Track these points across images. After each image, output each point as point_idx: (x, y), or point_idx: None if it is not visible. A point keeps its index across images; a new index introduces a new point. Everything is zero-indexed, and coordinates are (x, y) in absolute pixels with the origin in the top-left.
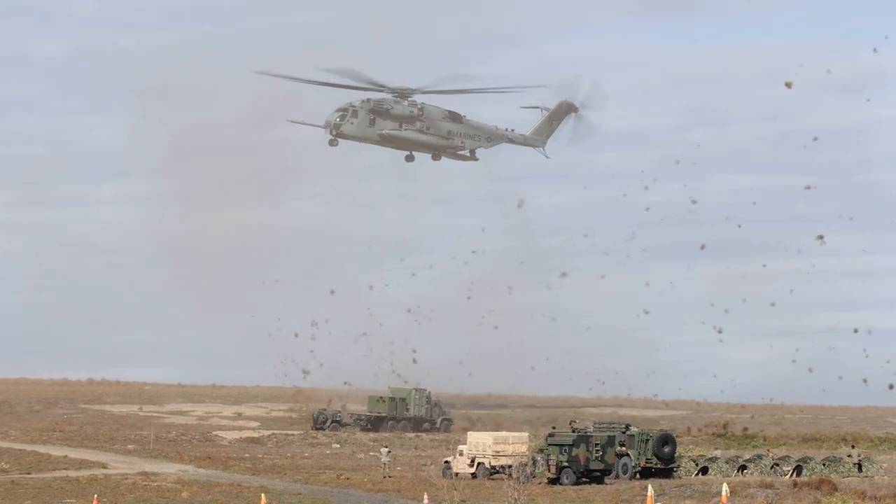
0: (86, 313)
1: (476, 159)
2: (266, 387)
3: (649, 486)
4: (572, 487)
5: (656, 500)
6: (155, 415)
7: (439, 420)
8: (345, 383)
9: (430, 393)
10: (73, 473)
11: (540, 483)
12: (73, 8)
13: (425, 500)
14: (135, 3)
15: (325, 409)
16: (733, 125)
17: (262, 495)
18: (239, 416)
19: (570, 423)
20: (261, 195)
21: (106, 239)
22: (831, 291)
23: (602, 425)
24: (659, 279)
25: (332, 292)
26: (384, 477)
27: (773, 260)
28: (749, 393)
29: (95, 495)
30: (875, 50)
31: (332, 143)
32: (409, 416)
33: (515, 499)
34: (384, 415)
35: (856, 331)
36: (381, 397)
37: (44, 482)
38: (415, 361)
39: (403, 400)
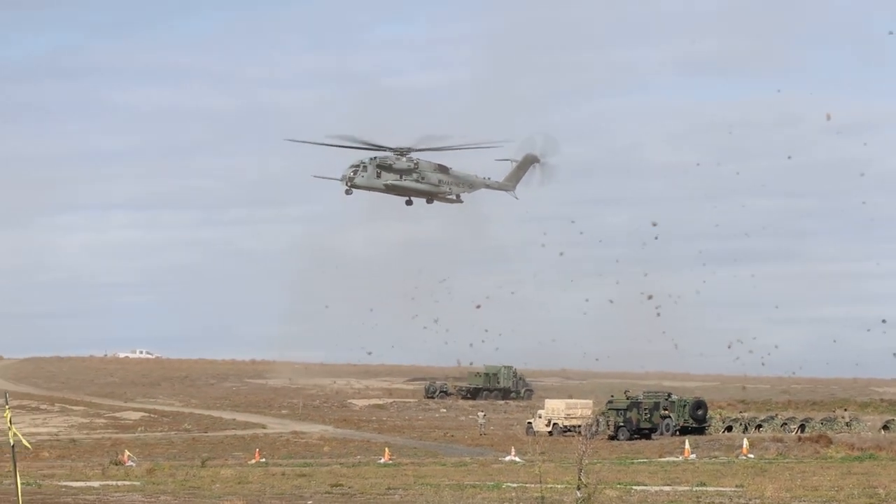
0: (250, 309)
1: (461, 202)
2: (389, 364)
3: (686, 441)
4: (627, 442)
5: (692, 452)
6: (303, 387)
7: (523, 390)
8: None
9: (515, 369)
10: (239, 432)
11: (602, 439)
12: (245, 72)
13: (512, 452)
14: (291, 67)
15: (434, 382)
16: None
17: (386, 449)
18: (367, 387)
19: (625, 392)
20: (383, 216)
21: (266, 251)
22: (836, 288)
23: (650, 394)
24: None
25: (442, 280)
26: (480, 434)
27: (795, 265)
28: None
29: (257, 449)
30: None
31: (347, 192)
32: (499, 387)
33: (583, 451)
34: (480, 386)
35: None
36: (478, 373)
37: (217, 439)
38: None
39: (495, 375)
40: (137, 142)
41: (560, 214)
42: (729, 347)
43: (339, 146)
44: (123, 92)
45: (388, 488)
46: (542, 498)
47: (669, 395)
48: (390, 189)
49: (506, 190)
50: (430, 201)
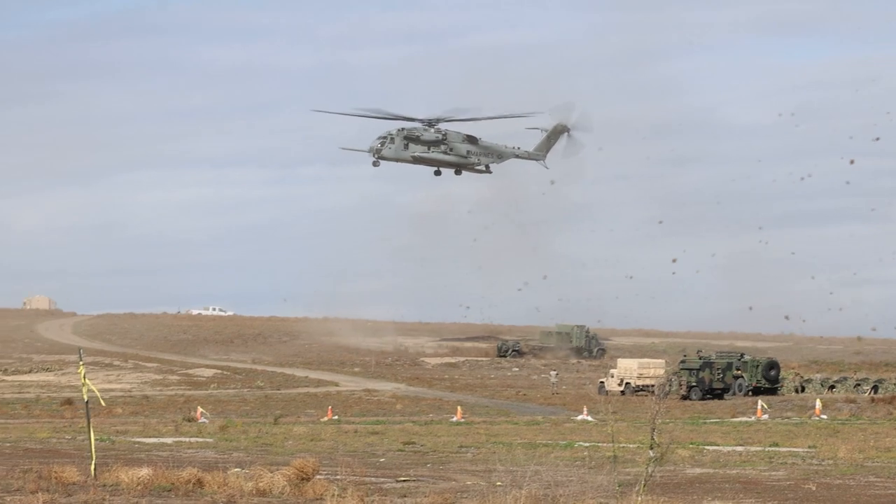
0: (322, 265)
1: (490, 172)
2: (461, 323)
3: (759, 401)
4: (699, 402)
5: (764, 412)
6: (375, 345)
7: (595, 349)
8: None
9: (588, 328)
10: (312, 390)
11: (674, 399)
12: (318, 30)
13: (584, 412)
14: (367, 27)
15: (507, 341)
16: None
17: (458, 407)
18: (440, 345)
19: (697, 352)
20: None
21: (340, 208)
22: None
23: (722, 353)
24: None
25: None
26: (553, 394)
27: (873, 225)
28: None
29: (329, 407)
30: None
31: (375, 164)
32: (571, 346)
33: (656, 411)
34: (553, 345)
35: None
36: (551, 332)
37: (290, 396)
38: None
39: (568, 334)
40: (212, 100)
41: (638, 174)
42: (787, 318)
43: (367, 117)
44: (199, 50)
45: (461, 446)
46: (615, 457)
47: (742, 355)
48: (418, 160)
49: (536, 160)
50: (458, 172)
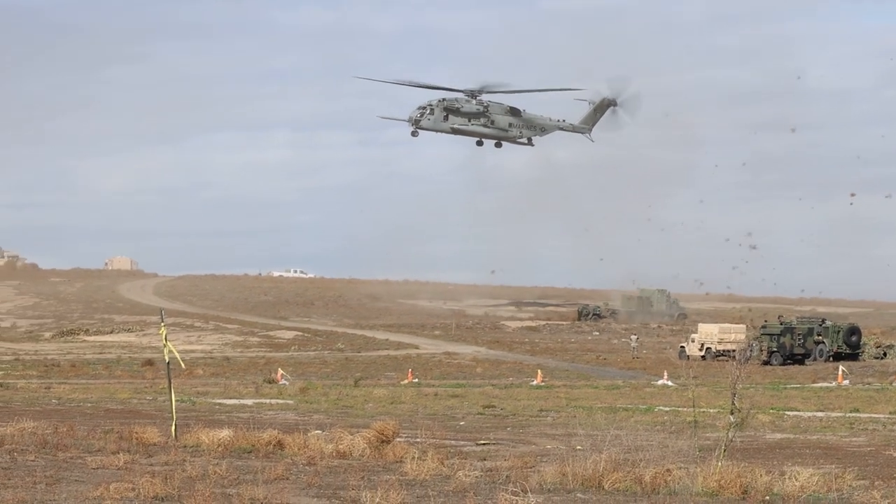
0: (405, 229)
1: (532, 145)
2: (542, 287)
3: (840, 366)
4: (780, 367)
5: (845, 378)
6: (456, 308)
7: (676, 314)
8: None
9: (669, 293)
10: (392, 352)
11: (755, 364)
12: None
13: (665, 376)
14: None
15: (587, 304)
16: None
17: (538, 371)
18: (520, 309)
19: (778, 318)
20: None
21: (426, 171)
22: None
23: (803, 319)
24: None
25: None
26: (633, 358)
27: None
28: None
29: (410, 369)
30: None
31: (413, 134)
32: (653, 311)
33: (736, 376)
34: (634, 310)
35: None
36: (632, 296)
37: (370, 359)
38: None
39: (649, 298)
40: (300, 61)
41: (721, 140)
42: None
43: (406, 84)
44: (288, 11)
45: (541, 410)
46: (695, 422)
47: (823, 320)
48: (457, 132)
49: (581, 132)
50: (498, 145)
